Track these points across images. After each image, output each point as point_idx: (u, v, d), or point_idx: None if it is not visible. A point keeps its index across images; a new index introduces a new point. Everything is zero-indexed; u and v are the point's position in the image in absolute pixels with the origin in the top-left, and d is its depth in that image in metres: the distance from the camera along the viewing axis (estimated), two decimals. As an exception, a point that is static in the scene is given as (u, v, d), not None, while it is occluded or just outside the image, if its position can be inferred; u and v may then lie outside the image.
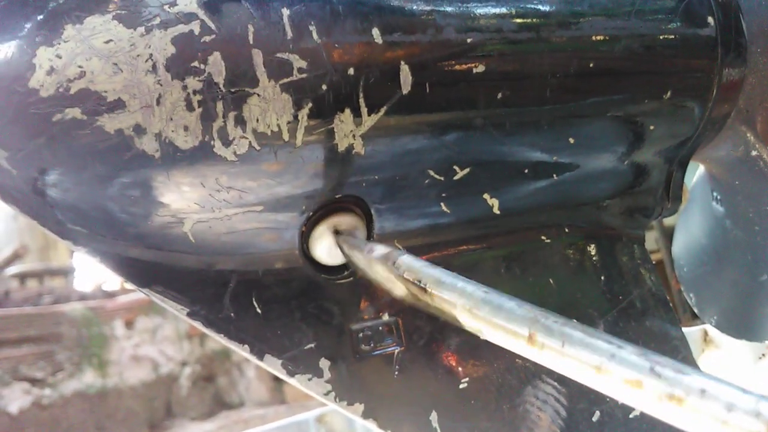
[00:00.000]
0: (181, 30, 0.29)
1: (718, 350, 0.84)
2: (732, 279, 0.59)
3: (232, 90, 0.30)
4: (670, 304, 0.48)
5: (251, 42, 0.31)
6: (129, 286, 0.35)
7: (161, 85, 0.29)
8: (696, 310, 0.64)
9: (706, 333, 0.91)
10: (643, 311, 0.47)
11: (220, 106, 0.30)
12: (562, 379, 0.42)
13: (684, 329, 0.49)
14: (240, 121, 0.31)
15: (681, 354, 0.47)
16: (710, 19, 0.44)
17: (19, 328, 2.83)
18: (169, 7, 0.30)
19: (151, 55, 0.29)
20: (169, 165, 0.31)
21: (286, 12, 0.31)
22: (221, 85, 0.30)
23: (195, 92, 0.30)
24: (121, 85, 0.29)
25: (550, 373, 0.42)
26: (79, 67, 0.28)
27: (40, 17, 0.29)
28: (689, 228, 0.64)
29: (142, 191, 0.32)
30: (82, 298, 3.36)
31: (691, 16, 0.43)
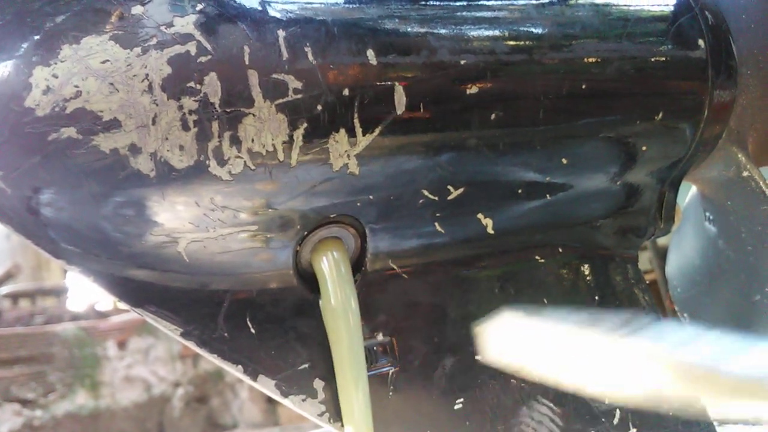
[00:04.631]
0: (178, 51, 0.30)
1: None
2: (725, 299, 0.59)
3: (228, 110, 0.31)
4: (663, 325, 0.49)
5: (247, 63, 0.31)
6: (122, 305, 0.35)
7: (157, 104, 0.30)
8: (690, 331, 0.64)
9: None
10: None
11: (215, 125, 0.31)
12: (557, 400, 0.42)
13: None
14: (235, 141, 0.31)
15: (675, 374, 0.47)
16: (701, 42, 0.44)
17: (11, 348, 2.80)
18: (165, 28, 0.30)
19: (147, 75, 0.29)
20: (164, 184, 0.31)
21: (281, 33, 0.32)
22: (217, 105, 0.30)
23: (191, 112, 0.30)
24: (117, 104, 0.29)
25: (546, 394, 0.42)
26: (75, 86, 0.29)
27: (37, 37, 0.29)
28: (682, 248, 0.65)
29: (137, 210, 0.32)
30: (74, 318, 3.34)
31: (681, 39, 0.44)
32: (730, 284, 0.57)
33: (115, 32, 0.29)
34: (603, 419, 0.43)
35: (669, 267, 0.68)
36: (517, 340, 0.38)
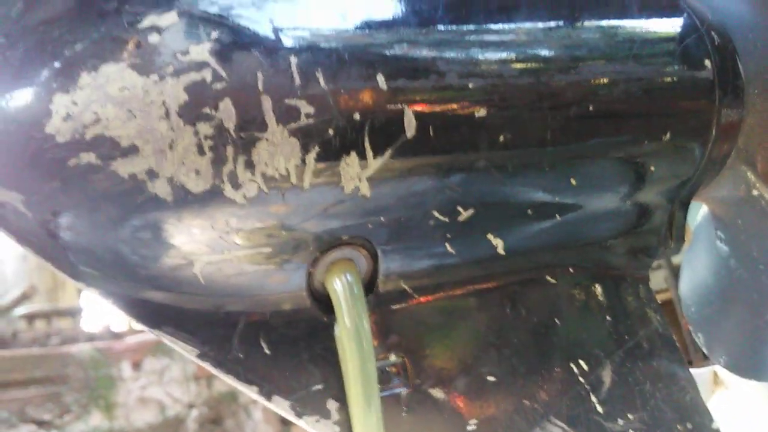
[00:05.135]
0: (193, 78, 0.30)
1: (729, 391, 0.83)
2: (739, 318, 0.59)
3: (242, 135, 0.31)
4: (677, 345, 0.48)
5: (261, 89, 0.32)
6: (139, 327, 0.36)
7: (173, 130, 0.30)
8: (705, 350, 0.64)
9: (716, 374, 0.90)
10: (650, 352, 0.47)
11: (230, 150, 0.31)
12: (570, 421, 0.42)
13: (694, 370, 0.49)
14: (249, 165, 0.32)
15: (689, 395, 0.47)
16: (707, 62, 0.44)
17: (27, 369, 2.81)
18: (181, 56, 0.31)
19: (164, 101, 0.30)
20: (181, 208, 0.32)
21: (294, 60, 0.32)
22: (231, 131, 0.31)
23: (206, 137, 0.31)
24: (135, 130, 0.30)
25: (559, 414, 0.42)
26: (94, 113, 0.29)
27: (57, 65, 0.30)
28: (695, 267, 0.64)
29: (154, 234, 0.33)
30: (89, 339, 3.34)
31: (688, 60, 0.44)
32: (742, 303, 0.57)
33: (133, 60, 0.30)
34: (617, 440, 0.43)
35: (682, 286, 0.68)
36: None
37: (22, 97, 0.29)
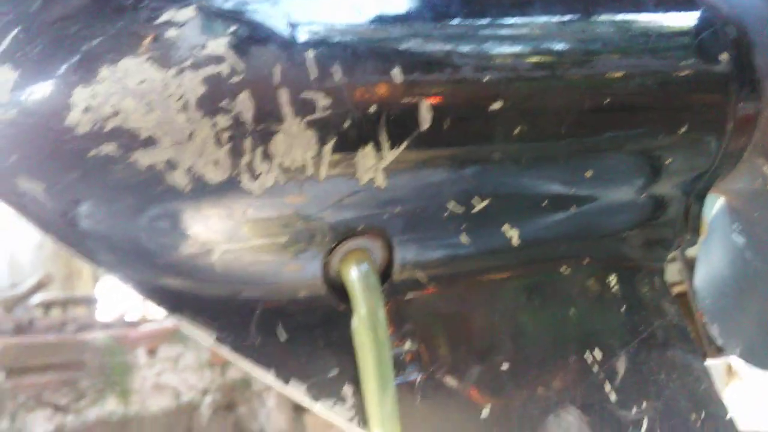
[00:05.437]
0: (211, 71, 0.31)
1: (743, 382, 0.83)
2: (754, 310, 0.58)
3: (260, 127, 0.32)
4: (691, 336, 0.48)
5: (277, 82, 0.32)
6: (153, 314, 0.36)
7: (192, 122, 0.31)
8: (720, 342, 0.64)
9: (730, 366, 0.90)
10: (664, 342, 0.47)
11: (248, 142, 0.32)
12: (584, 409, 0.42)
13: (708, 362, 0.49)
14: (267, 157, 0.32)
15: (703, 385, 0.47)
16: (723, 56, 0.44)
17: (43, 355, 2.85)
18: (199, 50, 0.31)
19: (182, 95, 0.30)
20: (199, 198, 0.32)
21: (310, 54, 0.33)
22: (249, 123, 0.31)
23: (224, 129, 0.31)
24: (154, 123, 0.30)
25: (573, 403, 0.42)
26: (113, 106, 0.30)
27: (76, 59, 0.30)
28: (710, 259, 0.64)
29: (172, 223, 0.33)
30: (105, 327, 3.38)
31: (704, 53, 0.44)
32: (758, 295, 0.57)
33: (151, 54, 0.30)
34: (630, 429, 0.43)
35: (697, 278, 0.68)
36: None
37: (42, 91, 0.30)
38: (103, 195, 0.32)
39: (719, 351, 0.70)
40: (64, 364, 2.85)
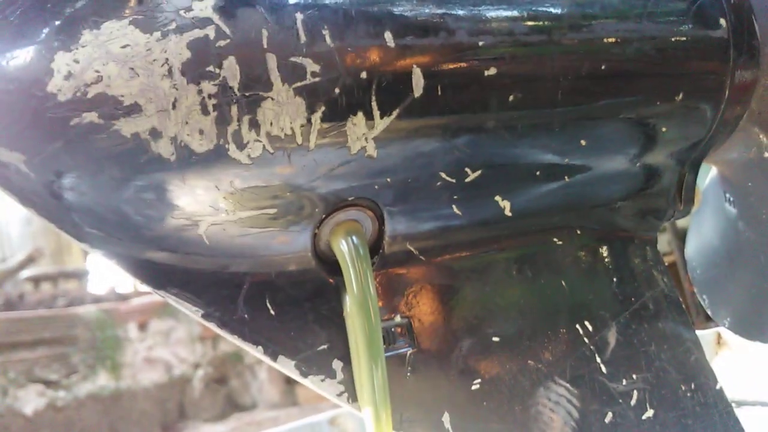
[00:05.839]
0: (197, 35, 0.30)
1: (732, 352, 0.84)
2: (745, 281, 0.59)
3: (247, 94, 0.31)
4: (683, 306, 0.48)
5: (265, 46, 0.31)
6: (144, 288, 0.36)
7: (177, 89, 0.30)
8: (709, 312, 0.64)
9: (719, 335, 0.90)
10: (655, 313, 0.47)
11: (234, 109, 0.31)
12: (574, 381, 0.42)
13: (697, 332, 0.49)
14: (254, 125, 0.31)
15: (694, 356, 0.47)
16: (722, 21, 0.43)
17: (34, 330, 2.85)
18: (184, 12, 0.30)
19: (167, 59, 0.29)
20: (184, 168, 0.31)
21: (299, 17, 0.32)
22: (236, 89, 0.30)
23: (210, 96, 0.30)
24: (138, 89, 0.29)
25: (563, 374, 0.42)
26: (96, 71, 0.29)
27: (58, 23, 0.29)
28: (702, 230, 0.64)
29: (158, 194, 0.32)
30: (96, 301, 3.38)
31: (703, 18, 0.43)
32: (749, 266, 0.57)
33: (135, 17, 0.29)
34: (620, 400, 0.43)
35: (688, 249, 0.68)
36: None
37: (22, 56, 0.29)
38: (87, 166, 0.31)
39: (708, 321, 0.70)
40: (55, 338, 2.85)
